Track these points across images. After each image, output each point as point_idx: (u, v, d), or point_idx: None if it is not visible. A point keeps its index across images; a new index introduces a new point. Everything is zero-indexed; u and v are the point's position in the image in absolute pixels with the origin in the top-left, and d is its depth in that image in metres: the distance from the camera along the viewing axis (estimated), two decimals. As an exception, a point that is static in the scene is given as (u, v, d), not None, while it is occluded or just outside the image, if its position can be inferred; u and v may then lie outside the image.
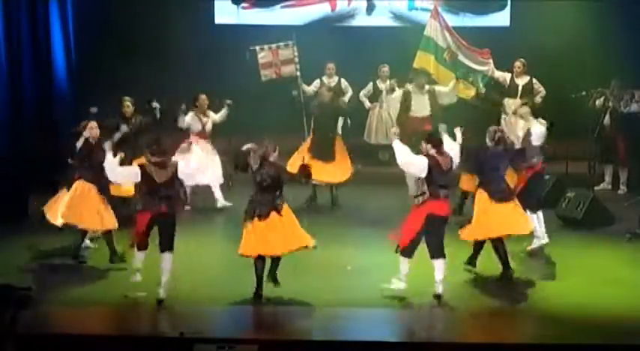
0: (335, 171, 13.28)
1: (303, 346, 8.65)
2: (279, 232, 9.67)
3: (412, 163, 9.85)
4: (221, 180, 13.41)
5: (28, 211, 12.87)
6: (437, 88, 13.92)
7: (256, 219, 9.68)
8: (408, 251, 9.80)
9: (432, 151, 9.75)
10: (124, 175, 10.10)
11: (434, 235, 9.75)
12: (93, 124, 11.02)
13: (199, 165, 12.95)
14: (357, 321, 9.44)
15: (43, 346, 8.54)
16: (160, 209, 9.78)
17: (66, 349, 8.60)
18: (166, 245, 9.78)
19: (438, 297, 9.73)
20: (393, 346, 8.80)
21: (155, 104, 12.70)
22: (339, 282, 10.26)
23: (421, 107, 13.83)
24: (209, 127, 13.42)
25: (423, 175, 9.71)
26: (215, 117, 13.46)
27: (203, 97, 13.39)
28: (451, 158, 9.85)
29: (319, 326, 9.35)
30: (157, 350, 8.62)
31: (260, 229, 9.66)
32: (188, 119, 13.22)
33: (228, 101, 13.45)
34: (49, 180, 13.78)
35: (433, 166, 9.70)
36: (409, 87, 13.97)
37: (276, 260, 9.80)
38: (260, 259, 9.70)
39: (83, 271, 10.78)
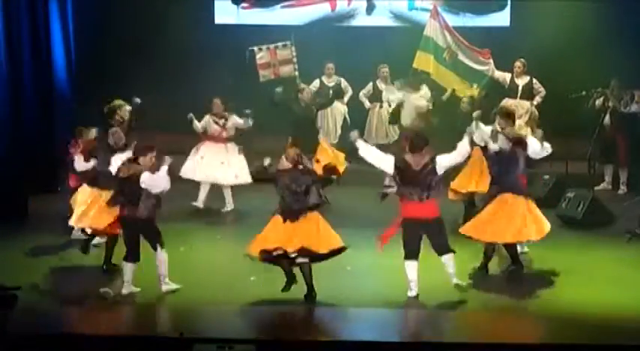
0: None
1: (302, 346, 8.64)
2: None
3: (375, 160, 9.95)
4: (233, 182, 13.37)
5: (28, 211, 12.88)
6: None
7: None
8: (407, 253, 9.82)
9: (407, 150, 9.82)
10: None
11: (409, 238, 9.80)
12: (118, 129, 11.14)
13: (209, 166, 13.05)
14: (357, 321, 9.45)
15: (41, 347, 8.53)
16: (123, 211, 9.94)
17: (65, 349, 8.60)
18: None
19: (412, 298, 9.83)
20: (392, 347, 8.80)
21: (137, 100, 12.64)
22: (338, 282, 10.26)
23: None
24: (229, 129, 13.35)
25: (390, 171, 9.82)
26: (239, 121, 13.34)
27: (216, 101, 13.30)
28: (432, 158, 9.76)
29: (319, 326, 9.35)
30: (157, 350, 8.62)
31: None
32: (203, 123, 13.26)
33: (247, 111, 13.29)
34: (49, 180, 13.85)
35: (402, 166, 9.74)
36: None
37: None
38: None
39: (82, 270, 10.78)
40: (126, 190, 9.85)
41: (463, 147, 9.91)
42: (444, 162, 9.77)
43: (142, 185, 9.74)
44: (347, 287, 10.14)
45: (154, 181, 9.78)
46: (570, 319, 9.34)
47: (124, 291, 9.89)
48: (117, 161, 10.25)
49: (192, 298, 9.78)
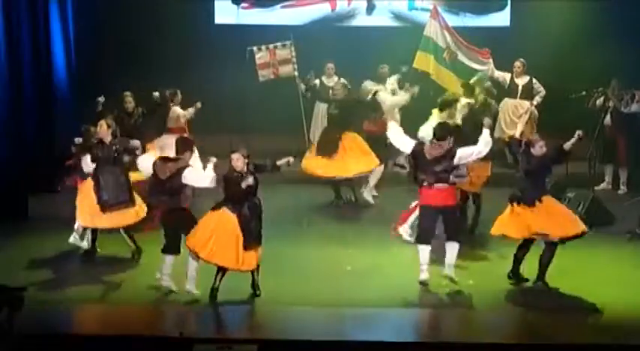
0: (342, 165, 13.21)
1: (302, 346, 8.64)
2: None
3: (398, 141, 10.43)
4: None
5: (28, 211, 12.88)
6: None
7: None
8: (419, 237, 10.08)
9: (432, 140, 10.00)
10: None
11: (426, 223, 10.02)
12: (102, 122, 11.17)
13: None
14: (358, 321, 9.45)
15: (41, 347, 8.53)
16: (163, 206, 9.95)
17: (65, 350, 8.60)
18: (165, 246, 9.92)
19: (423, 283, 10.02)
20: (393, 347, 8.80)
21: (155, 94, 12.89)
22: (339, 282, 10.26)
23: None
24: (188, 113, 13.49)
25: (406, 152, 10.48)
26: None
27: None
28: (449, 150, 9.89)
29: (319, 326, 9.35)
30: (157, 350, 8.62)
31: None
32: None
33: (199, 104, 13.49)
34: (49, 180, 13.84)
35: (417, 153, 10.05)
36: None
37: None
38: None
39: (82, 271, 10.78)
40: (167, 186, 9.88)
41: (485, 138, 10.14)
42: (464, 154, 9.99)
43: (184, 181, 9.84)
44: (347, 287, 10.13)
45: (198, 178, 9.90)
46: (570, 318, 9.35)
47: (164, 284, 9.91)
48: (145, 162, 10.24)
49: (193, 298, 9.78)
